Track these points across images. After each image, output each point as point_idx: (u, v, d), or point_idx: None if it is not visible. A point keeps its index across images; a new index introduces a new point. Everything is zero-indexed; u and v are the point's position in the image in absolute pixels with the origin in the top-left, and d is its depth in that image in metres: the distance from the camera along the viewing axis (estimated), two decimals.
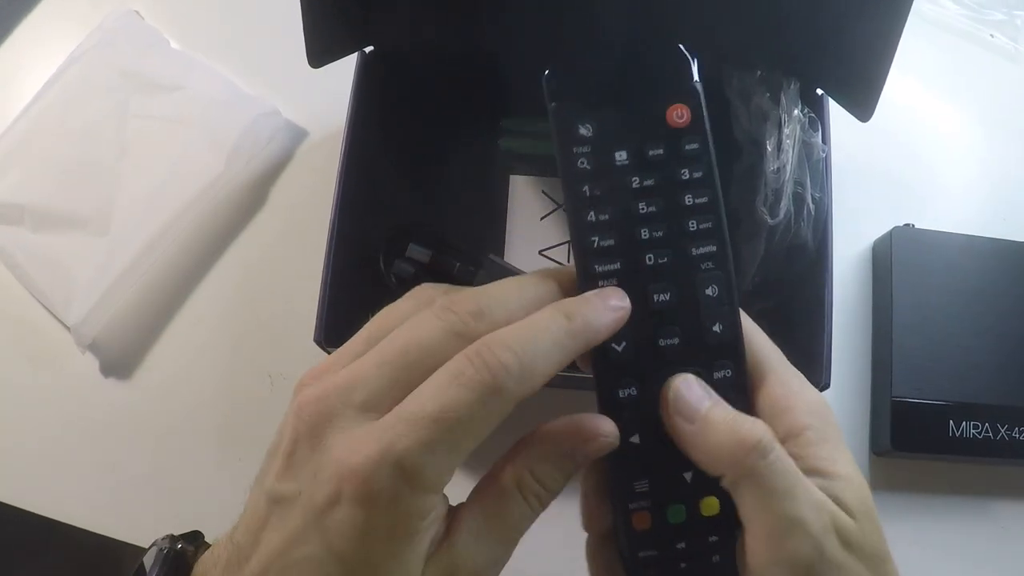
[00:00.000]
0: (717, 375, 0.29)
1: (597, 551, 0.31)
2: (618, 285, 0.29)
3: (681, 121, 0.29)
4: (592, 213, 0.29)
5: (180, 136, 0.64)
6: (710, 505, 0.30)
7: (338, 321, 0.52)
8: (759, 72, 0.57)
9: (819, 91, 0.58)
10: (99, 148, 0.64)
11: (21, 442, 0.59)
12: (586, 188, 0.29)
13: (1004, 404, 0.56)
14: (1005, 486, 0.58)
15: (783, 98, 0.55)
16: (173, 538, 0.31)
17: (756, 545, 0.27)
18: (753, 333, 0.31)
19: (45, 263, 0.61)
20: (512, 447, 0.29)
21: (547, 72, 0.29)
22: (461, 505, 0.28)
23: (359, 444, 0.25)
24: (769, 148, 0.55)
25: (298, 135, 0.67)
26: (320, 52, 0.55)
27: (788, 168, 0.54)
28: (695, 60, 0.29)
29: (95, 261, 0.60)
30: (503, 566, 0.28)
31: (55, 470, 0.58)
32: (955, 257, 0.60)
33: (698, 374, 0.29)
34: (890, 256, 0.60)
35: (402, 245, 0.58)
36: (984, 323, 0.58)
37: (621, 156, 0.29)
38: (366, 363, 0.27)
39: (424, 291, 0.30)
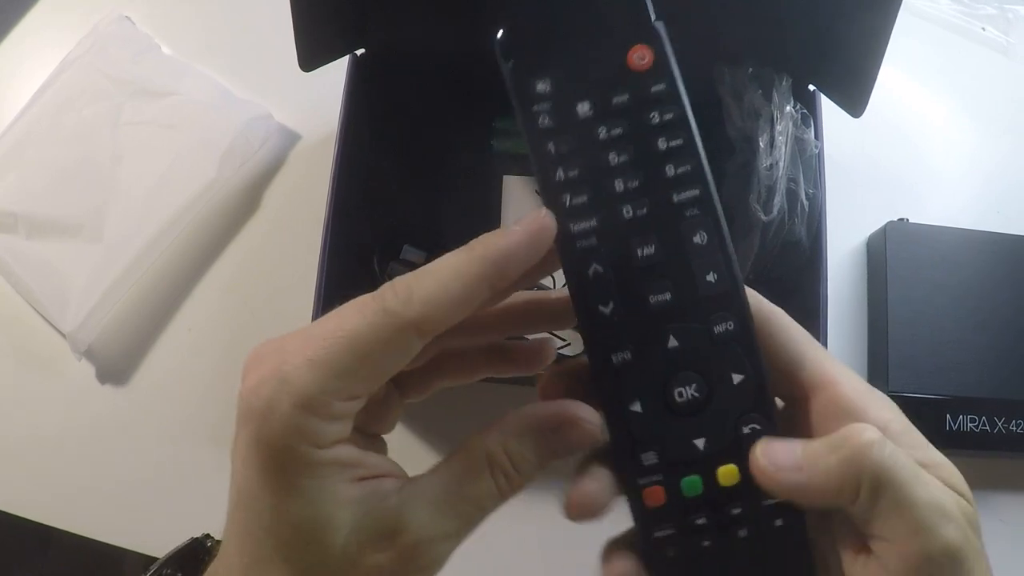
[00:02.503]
0: (718, 329, 0.27)
1: (613, 558, 0.29)
2: (597, 243, 0.27)
3: (643, 63, 0.27)
4: (560, 171, 0.27)
5: (173, 141, 0.64)
6: (728, 473, 0.27)
7: None
8: (751, 69, 0.57)
9: (811, 87, 0.58)
10: (92, 154, 0.64)
11: (18, 449, 0.59)
12: (550, 145, 0.27)
13: (1001, 397, 0.56)
14: (1003, 479, 0.58)
15: (775, 95, 0.55)
16: (208, 536, 0.31)
17: (899, 545, 0.25)
18: (802, 339, 0.29)
19: (40, 270, 0.60)
20: (491, 423, 0.27)
21: (499, 33, 0.27)
22: (426, 472, 0.27)
23: (260, 370, 0.25)
24: (762, 145, 0.55)
25: (291, 139, 0.67)
26: (311, 56, 0.55)
27: (781, 164, 0.54)
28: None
29: (90, 267, 0.60)
30: (455, 545, 0.26)
31: (52, 476, 0.58)
32: (949, 251, 0.60)
33: (698, 330, 0.27)
34: (884, 251, 0.60)
35: (396, 247, 0.58)
36: (980, 316, 0.58)
37: (584, 108, 0.27)
38: (309, 352, 0.26)
39: None
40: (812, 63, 0.56)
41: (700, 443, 0.27)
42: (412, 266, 0.57)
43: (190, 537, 0.48)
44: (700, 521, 0.27)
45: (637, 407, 0.27)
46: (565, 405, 0.27)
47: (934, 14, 0.72)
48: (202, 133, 0.64)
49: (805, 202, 0.54)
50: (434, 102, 0.63)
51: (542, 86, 0.27)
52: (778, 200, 0.54)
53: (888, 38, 0.48)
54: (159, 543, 0.56)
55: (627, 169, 0.27)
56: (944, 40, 0.72)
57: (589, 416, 0.27)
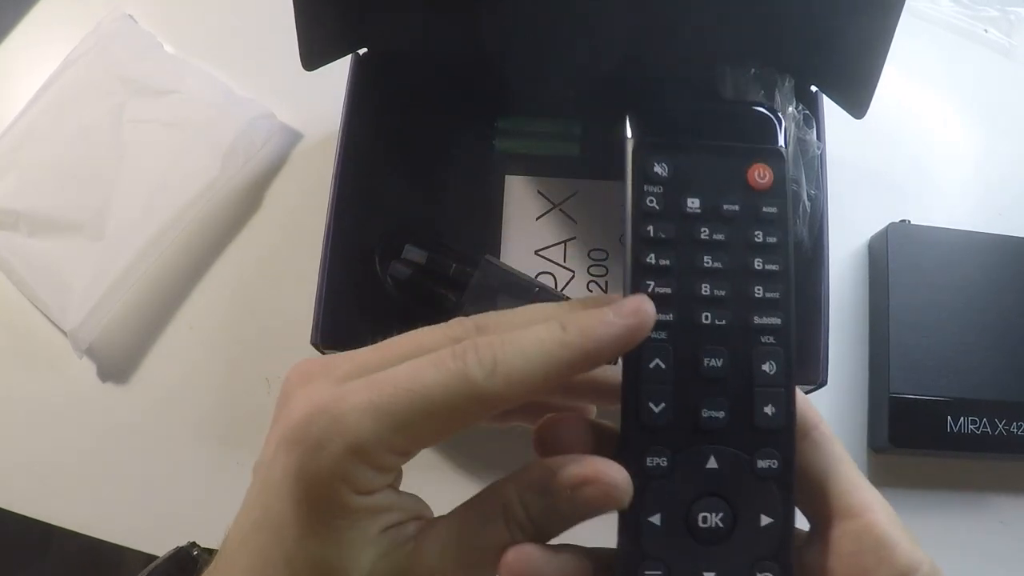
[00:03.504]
0: (761, 464, 0.26)
1: None
2: (667, 339, 0.26)
3: (763, 182, 0.27)
4: (652, 256, 0.27)
5: (175, 140, 0.64)
6: None
7: (335, 323, 0.52)
8: (753, 70, 0.57)
9: (813, 88, 0.58)
10: (94, 152, 0.64)
11: (18, 447, 0.59)
12: (650, 228, 0.27)
13: (1002, 399, 0.56)
14: (1004, 481, 0.58)
15: (777, 96, 0.55)
16: (194, 544, 0.30)
17: None
18: (844, 458, 0.28)
19: (41, 268, 0.60)
20: (515, 471, 0.26)
21: (631, 111, 0.28)
22: (445, 516, 0.26)
23: (312, 397, 0.24)
24: None
25: (293, 138, 0.67)
26: (313, 55, 0.55)
27: None
28: (781, 125, 0.28)
29: (91, 266, 0.60)
30: None
31: (52, 475, 0.58)
32: (951, 253, 0.60)
33: (741, 459, 0.26)
34: (886, 253, 0.60)
35: (398, 246, 0.58)
36: (982, 318, 0.58)
37: (693, 204, 0.27)
38: (361, 349, 0.26)
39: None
40: (814, 64, 0.56)
41: (711, 575, 0.26)
42: (414, 265, 0.57)
43: (174, 547, 0.47)
44: None
45: (656, 519, 0.26)
46: (594, 463, 0.25)
47: (936, 16, 0.72)
48: (205, 132, 0.64)
49: (807, 203, 0.54)
50: (436, 102, 0.63)
51: (659, 169, 0.27)
52: None
53: (891, 39, 0.48)
54: (159, 542, 0.56)
55: (717, 277, 0.27)
56: (946, 42, 0.72)
57: (618, 480, 0.25)
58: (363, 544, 0.24)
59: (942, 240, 0.60)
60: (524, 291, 0.57)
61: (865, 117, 0.53)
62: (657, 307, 0.26)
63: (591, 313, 0.25)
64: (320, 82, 0.57)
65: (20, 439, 0.59)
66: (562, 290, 0.60)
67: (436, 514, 0.27)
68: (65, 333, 0.58)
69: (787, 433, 0.26)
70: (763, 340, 0.27)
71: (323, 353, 0.53)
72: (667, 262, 0.27)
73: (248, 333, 0.61)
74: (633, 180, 0.27)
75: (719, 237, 0.27)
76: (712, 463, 0.26)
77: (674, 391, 0.26)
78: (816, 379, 0.51)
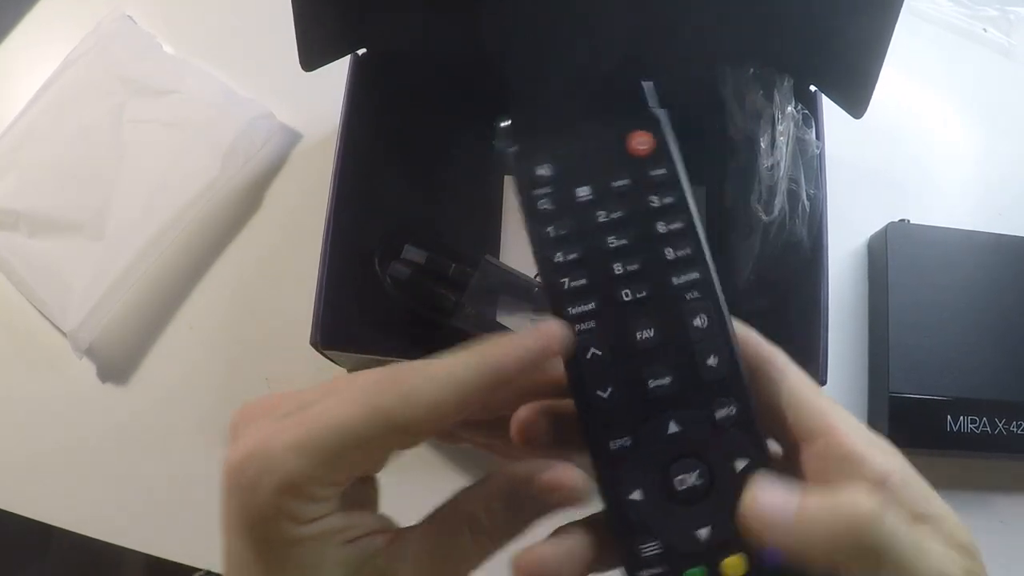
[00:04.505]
0: (720, 414, 0.27)
1: None
2: (595, 326, 0.27)
3: (643, 149, 0.27)
4: (559, 254, 0.27)
5: (175, 140, 0.64)
6: (734, 565, 0.26)
7: (334, 323, 0.52)
8: (752, 69, 0.57)
9: (812, 88, 0.58)
10: (94, 152, 0.64)
11: (18, 448, 0.59)
12: (550, 229, 0.27)
13: (1002, 399, 0.56)
14: (1004, 480, 0.58)
15: (776, 95, 0.55)
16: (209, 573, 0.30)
17: None
18: (801, 385, 0.28)
19: (41, 269, 0.60)
20: (477, 481, 0.27)
21: (503, 120, 0.29)
22: (412, 527, 0.27)
23: (249, 438, 0.25)
24: (763, 145, 0.55)
25: (293, 138, 0.67)
26: (312, 56, 0.55)
27: (782, 165, 0.54)
28: (650, 87, 0.28)
29: (91, 266, 0.60)
30: None
31: (52, 475, 0.58)
32: (951, 252, 0.60)
33: (699, 416, 0.27)
34: (885, 252, 0.60)
35: (398, 246, 0.58)
36: (981, 318, 0.58)
37: (584, 192, 0.27)
38: (304, 388, 0.27)
39: None
40: (814, 64, 0.56)
41: (703, 533, 0.26)
42: (413, 266, 0.57)
43: None
44: None
45: (637, 495, 0.26)
46: (545, 469, 0.26)
47: (935, 15, 0.72)
48: (205, 132, 0.64)
49: (806, 203, 0.54)
50: (436, 102, 0.63)
51: (543, 171, 0.27)
52: (779, 201, 0.54)
53: (890, 39, 0.48)
54: (159, 542, 0.56)
55: (626, 253, 0.27)
56: (945, 41, 0.72)
57: (573, 481, 0.26)
58: (329, 563, 0.25)
59: (941, 240, 0.60)
60: (524, 291, 0.57)
61: (864, 116, 0.53)
62: (576, 299, 0.27)
63: (504, 340, 0.26)
64: (320, 82, 0.57)
65: (20, 439, 0.59)
66: None
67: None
68: (65, 333, 0.58)
69: (736, 378, 0.27)
70: (688, 297, 0.27)
71: (323, 353, 0.53)
72: (575, 255, 0.27)
73: (248, 333, 0.61)
74: (521, 189, 0.28)
75: (617, 215, 0.27)
76: (673, 428, 0.27)
77: (616, 372, 0.27)
78: (816, 379, 0.51)
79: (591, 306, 0.27)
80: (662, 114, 0.28)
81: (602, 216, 0.27)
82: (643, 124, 0.28)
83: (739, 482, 0.26)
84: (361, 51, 0.60)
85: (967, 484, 0.58)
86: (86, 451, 0.59)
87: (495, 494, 0.26)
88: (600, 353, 0.27)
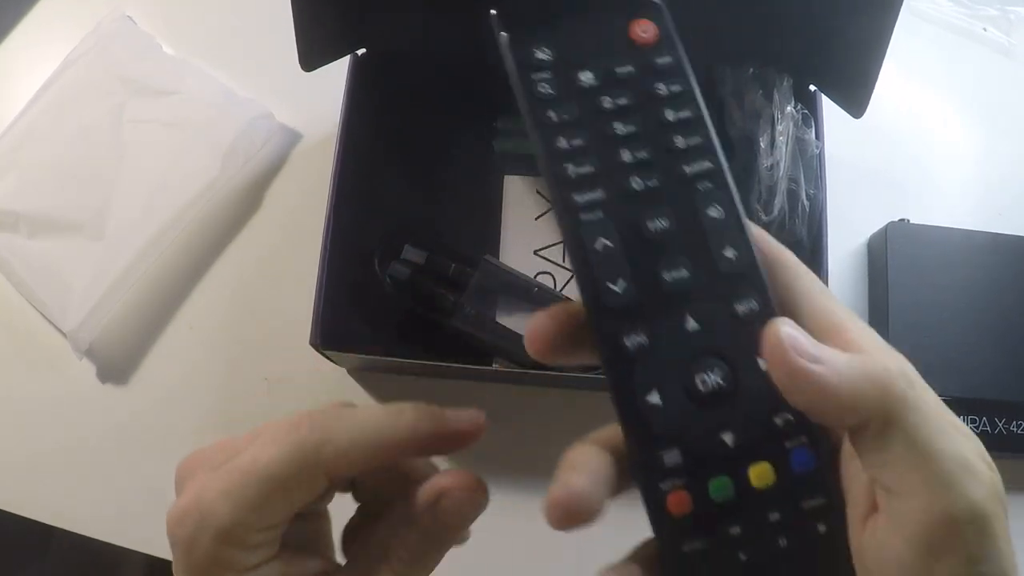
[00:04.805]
0: (741, 308, 0.25)
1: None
2: (604, 216, 0.25)
3: (647, 36, 0.26)
4: (562, 139, 0.25)
5: (175, 140, 0.64)
6: (762, 473, 0.24)
7: (334, 323, 0.52)
8: (752, 69, 0.57)
9: (812, 87, 0.58)
10: (94, 153, 0.64)
11: (18, 448, 0.59)
12: (551, 113, 0.25)
13: (1002, 399, 0.56)
14: (1004, 480, 0.58)
15: (776, 95, 0.55)
16: None
17: (916, 501, 0.22)
18: (814, 285, 0.26)
19: (41, 269, 0.60)
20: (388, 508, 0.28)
21: (494, 9, 0.26)
22: (346, 565, 0.28)
23: (187, 493, 0.26)
24: (763, 145, 0.55)
25: (292, 138, 0.67)
26: (312, 56, 0.55)
27: (782, 165, 0.54)
28: None
29: (91, 266, 0.60)
30: None
31: (52, 475, 0.58)
32: (950, 252, 0.60)
33: (719, 310, 0.25)
34: (885, 252, 0.60)
35: (397, 246, 0.58)
36: (981, 318, 0.58)
37: (587, 77, 0.25)
38: (235, 436, 0.27)
39: None
40: (813, 63, 0.56)
41: (728, 438, 0.24)
42: (413, 266, 0.57)
43: None
44: (734, 531, 0.24)
45: (655, 398, 0.24)
46: (437, 481, 0.27)
47: (935, 15, 0.72)
48: (204, 132, 0.64)
49: (806, 202, 0.54)
50: (435, 102, 0.63)
51: (541, 55, 0.25)
52: (779, 200, 0.54)
53: (889, 38, 0.48)
54: (159, 543, 0.56)
55: (635, 140, 0.25)
56: (945, 41, 0.72)
57: (466, 480, 0.27)
58: None
59: (941, 239, 0.60)
60: (523, 291, 0.57)
61: (864, 116, 0.53)
62: (583, 186, 0.25)
63: (434, 411, 0.27)
64: (319, 82, 0.57)
65: (20, 439, 0.59)
66: (561, 290, 0.60)
67: None
68: (65, 334, 0.58)
69: (755, 271, 0.25)
70: (700, 188, 0.25)
71: (323, 353, 0.53)
72: (580, 141, 0.25)
73: (248, 333, 0.61)
74: (520, 74, 0.25)
75: (623, 101, 0.25)
76: (692, 324, 0.25)
77: (629, 265, 0.25)
78: None
79: (599, 194, 0.25)
80: (662, 3, 0.26)
81: (607, 102, 0.25)
82: (645, 12, 0.26)
83: (764, 382, 0.24)
84: (361, 51, 0.60)
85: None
86: (86, 451, 0.59)
87: (399, 520, 0.27)
88: (611, 244, 0.25)
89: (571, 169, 0.25)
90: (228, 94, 0.66)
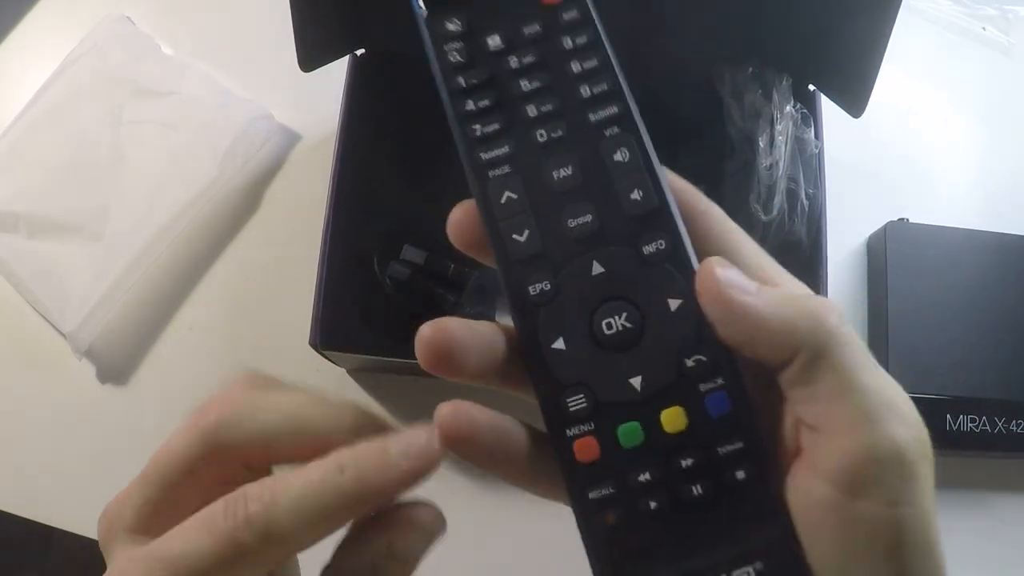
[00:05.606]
0: (647, 249, 0.24)
1: None
2: (511, 171, 0.25)
3: None
4: (470, 102, 0.26)
5: (174, 141, 0.64)
6: (673, 417, 0.24)
7: (334, 324, 0.52)
8: (751, 69, 0.57)
9: (811, 87, 0.58)
10: (93, 154, 0.64)
11: (19, 449, 0.59)
12: (460, 79, 0.26)
13: (1001, 398, 0.56)
14: (1002, 479, 0.58)
15: (775, 94, 0.55)
16: None
17: (838, 438, 0.22)
18: (744, 240, 0.26)
19: (40, 270, 0.60)
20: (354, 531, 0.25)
21: None
22: None
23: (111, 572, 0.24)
24: (762, 144, 0.55)
25: (292, 138, 0.67)
26: (311, 56, 0.55)
27: (781, 164, 0.54)
28: None
29: (90, 267, 0.60)
30: None
31: (53, 477, 0.58)
32: (950, 251, 0.60)
33: (624, 252, 0.25)
34: (885, 251, 0.60)
35: (397, 247, 0.58)
36: (980, 317, 0.58)
37: (495, 41, 0.26)
38: (134, 480, 0.26)
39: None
40: (812, 63, 0.56)
41: (637, 382, 0.24)
42: (412, 266, 0.57)
43: None
44: (643, 477, 0.23)
45: (560, 344, 0.24)
46: (376, 525, 0.25)
47: (934, 14, 0.72)
48: (203, 133, 0.64)
49: (805, 202, 0.54)
50: (434, 102, 0.63)
51: (452, 26, 0.27)
52: (778, 200, 0.54)
53: (888, 38, 0.48)
54: None
55: (541, 95, 0.26)
56: (944, 40, 0.72)
57: (410, 521, 0.25)
58: None
59: (941, 238, 0.60)
60: None
61: (863, 116, 0.53)
62: (489, 144, 0.26)
63: (372, 454, 0.23)
64: (319, 83, 0.57)
65: (20, 441, 0.59)
66: None
67: None
68: (65, 335, 0.58)
69: (664, 210, 0.25)
70: (607, 133, 0.25)
71: (322, 354, 0.53)
72: (487, 102, 0.26)
73: (248, 333, 0.61)
74: (434, 47, 0.27)
75: (530, 60, 0.26)
76: (597, 268, 0.25)
77: (534, 215, 0.25)
78: None
79: (505, 149, 0.25)
80: None
81: (513, 62, 0.26)
82: None
83: (674, 324, 0.24)
84: (360, 51, 0.60)
85: (966, 483, 0.58)
86: (86, 452, 0.59)
87: (352, 551, 0.25)
88: (516, 196, 0.25)
89: (479, 129, 0.26)
90: (227, 95, 0.66)
